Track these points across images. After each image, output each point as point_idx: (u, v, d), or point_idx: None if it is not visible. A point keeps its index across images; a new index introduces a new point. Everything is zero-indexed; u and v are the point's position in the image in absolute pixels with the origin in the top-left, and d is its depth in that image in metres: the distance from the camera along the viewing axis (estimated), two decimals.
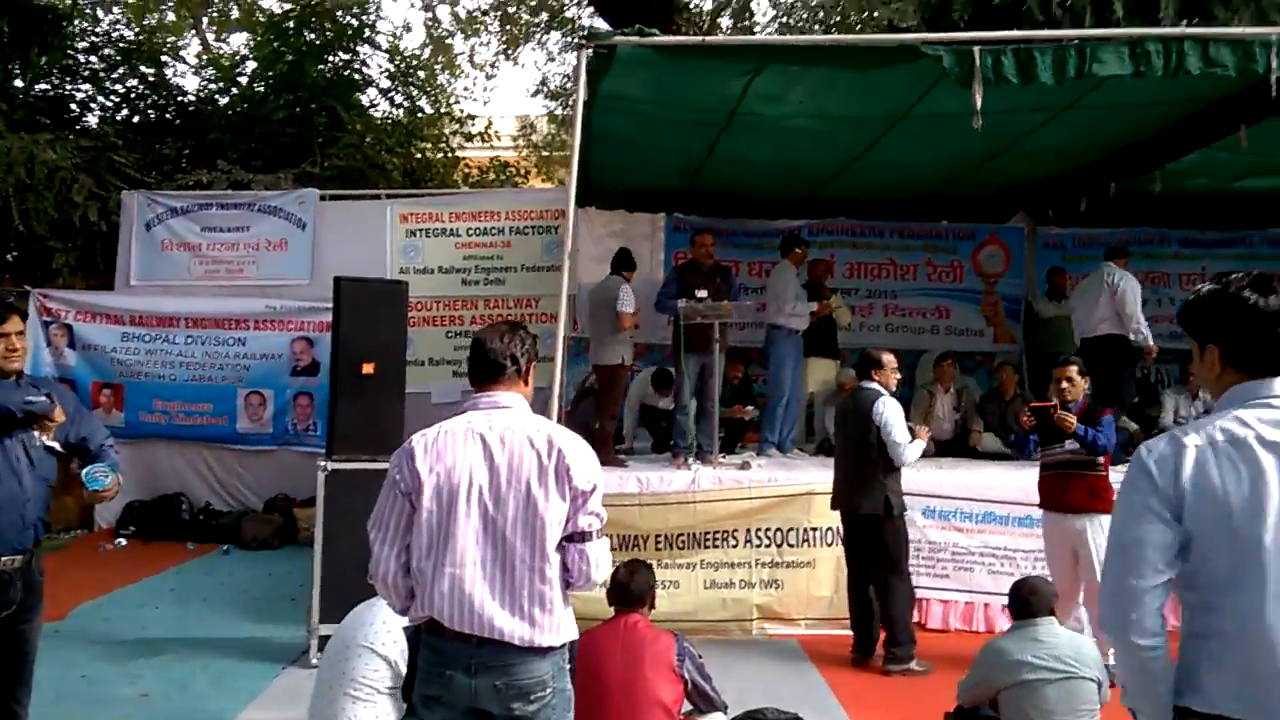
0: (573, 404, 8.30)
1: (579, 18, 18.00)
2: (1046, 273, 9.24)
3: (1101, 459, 5.30)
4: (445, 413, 8.76)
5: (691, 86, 6.34)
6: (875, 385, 5.68)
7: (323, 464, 5.26)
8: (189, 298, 9.62)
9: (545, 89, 18.39)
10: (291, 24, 12.35)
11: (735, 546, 6.20)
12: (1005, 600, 6.27)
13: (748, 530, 6.25)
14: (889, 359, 5.81)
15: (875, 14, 8.54)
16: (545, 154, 17.56)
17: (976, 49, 5.48)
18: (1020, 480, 6.60)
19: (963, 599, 6.29)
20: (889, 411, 5.51)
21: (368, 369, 5.35)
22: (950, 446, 7.88)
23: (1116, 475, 5.80)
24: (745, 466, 6.65)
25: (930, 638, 6.01)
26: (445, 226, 9.81)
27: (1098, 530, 5.21)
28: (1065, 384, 5.43)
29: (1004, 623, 6.20)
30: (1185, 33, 5.65)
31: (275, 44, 12.38)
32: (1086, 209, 9.10)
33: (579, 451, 2.62)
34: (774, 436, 7.57)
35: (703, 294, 6.93)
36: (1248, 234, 9.70)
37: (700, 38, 5.61)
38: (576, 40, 5.69)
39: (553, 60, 18.86)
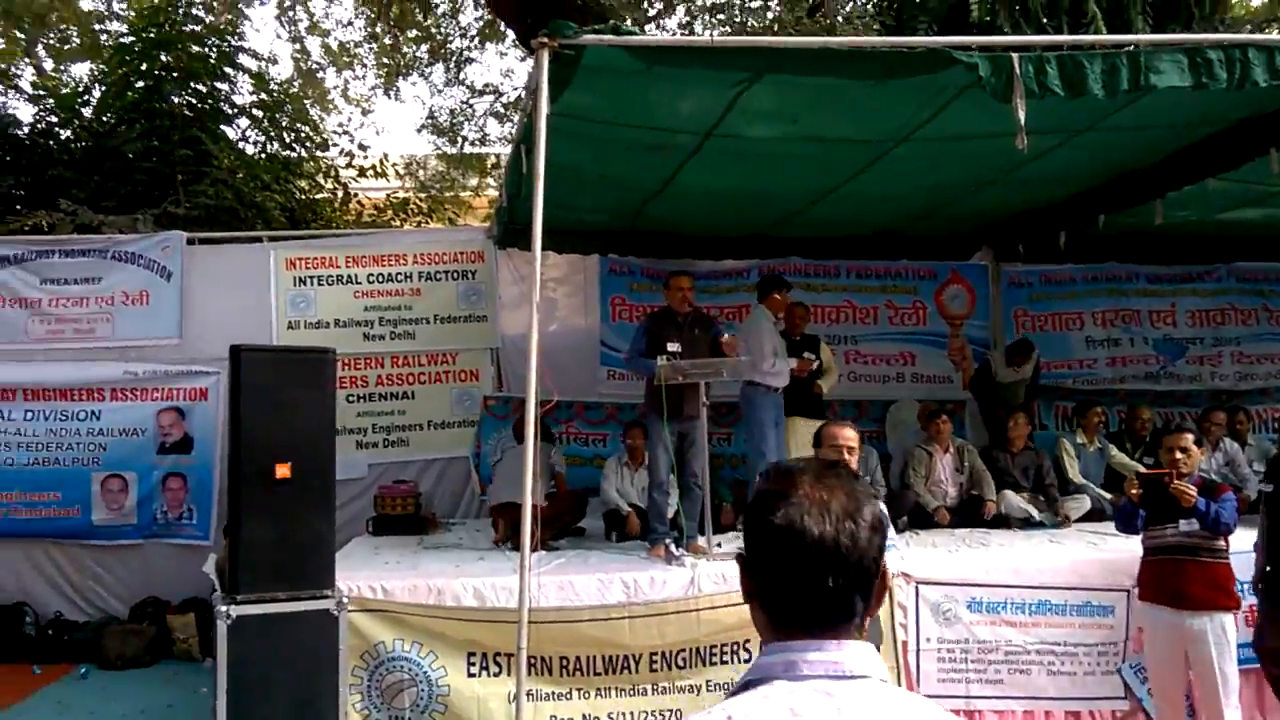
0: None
1: (466, 49, 16.89)
2: (1011, 346, 8.52)
3: (1223, 544, 4.39)
4: (347, 493, 7.17)
5: (667, 101, 5.25)
6: None
7: (224, 608, 3.82)
8: (27, 364, 7.94)
9: (432, 124, 17.11)
10: (143, 46, 10.69)
11: (749, 661, 5.03)
12: (1069, 706, 5.47)
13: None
14: (835, 435, 4.20)
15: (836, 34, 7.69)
16: (434, 193, 16.19)
17: (1016, 55, 4.61)
18: (1069, 556, 5.72)
19: (1020, 707, 5.26)
20: None
21: (282, 471, 3.93)
22: (960, 516, 6.92)
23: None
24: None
25: None
26: (342, 272, 8.46)
27: (1220, 633, 4.31)
28: (1180, 454, 4.52)
29: None
30: (1249, 39, 4.91)
31: (124, 70, 10.71)
32: (1045, 245, 8.53)
33: None
34: None
35: (675, 347, 5.82)
36: (1216, 268, 9.25)
37: (694, 38, 4.54)
38: (539, 39, 4.49)
39: (439, 94, 17.52)
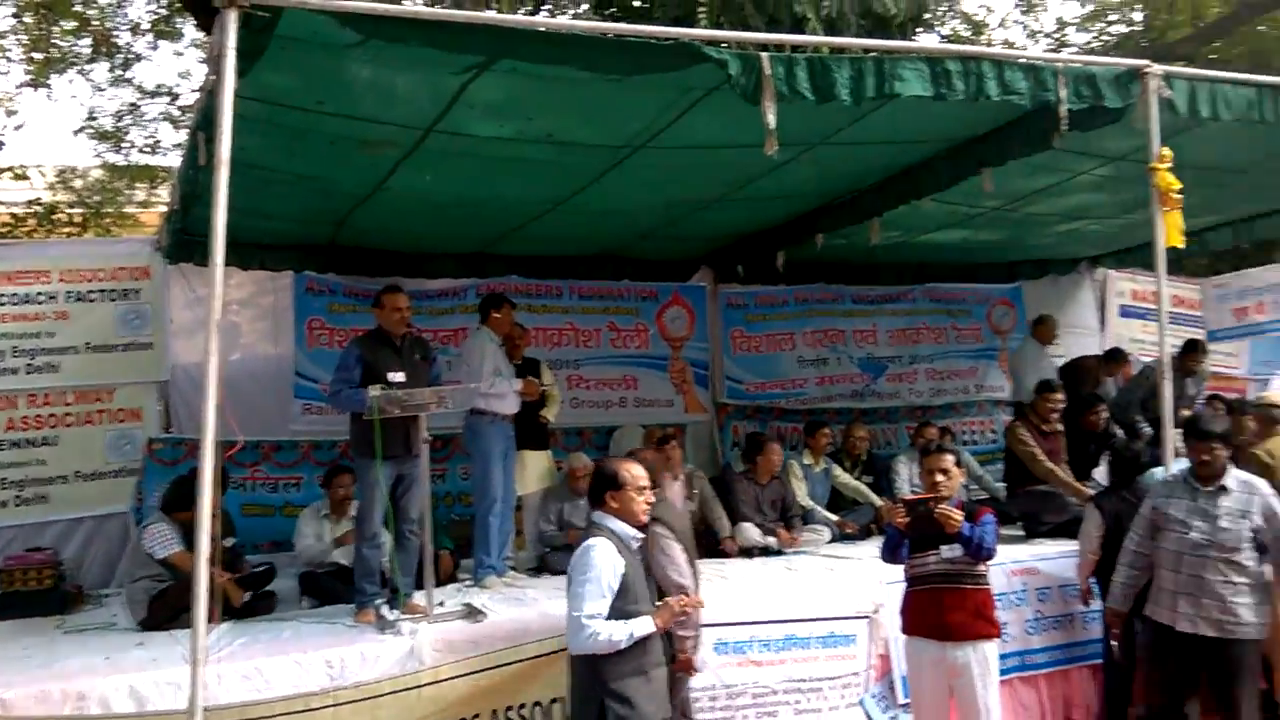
0: None
1: (131, 45, 14.96)
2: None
3: (984, 569, 4.23)
4: None
5: (382, 87, 4.48)
6: (603, 518, 3.70)
7: None
8: None
9: (93, 127, 14.95)
10: None
11: None
12: None
13: (494, 714, 4.43)
14: (631, 475, 3.70)
15: None
16: (91, 204, 14.07)
17: (766, 55, 4.33)
18: (808, 584, 5.54)
19: None
20: (582, 563, 3.56)
21: None
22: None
23: None
24: (475, 615, 4.78)
25: None
26: None
27: (983, 662, 4.15)
28: (941, 477, 4.32)
29: None
30: (983, 52, 4.95)
31: None
32: (761, 267, 8.55)
33: None
34: (491, 558, 5.74)
35: (398, 376, 5.03)
36: (911, 289, 9.70)
37: (420, 9, 3.85)
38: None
39: (101, 92, 15.38)
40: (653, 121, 5.06)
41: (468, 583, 5.75)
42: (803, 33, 7.44)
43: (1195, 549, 4.42)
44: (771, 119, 4.29)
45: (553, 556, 6.16)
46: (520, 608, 5.01)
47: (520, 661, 4.52)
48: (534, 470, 6.44)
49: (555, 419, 6.78)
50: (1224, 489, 4.45)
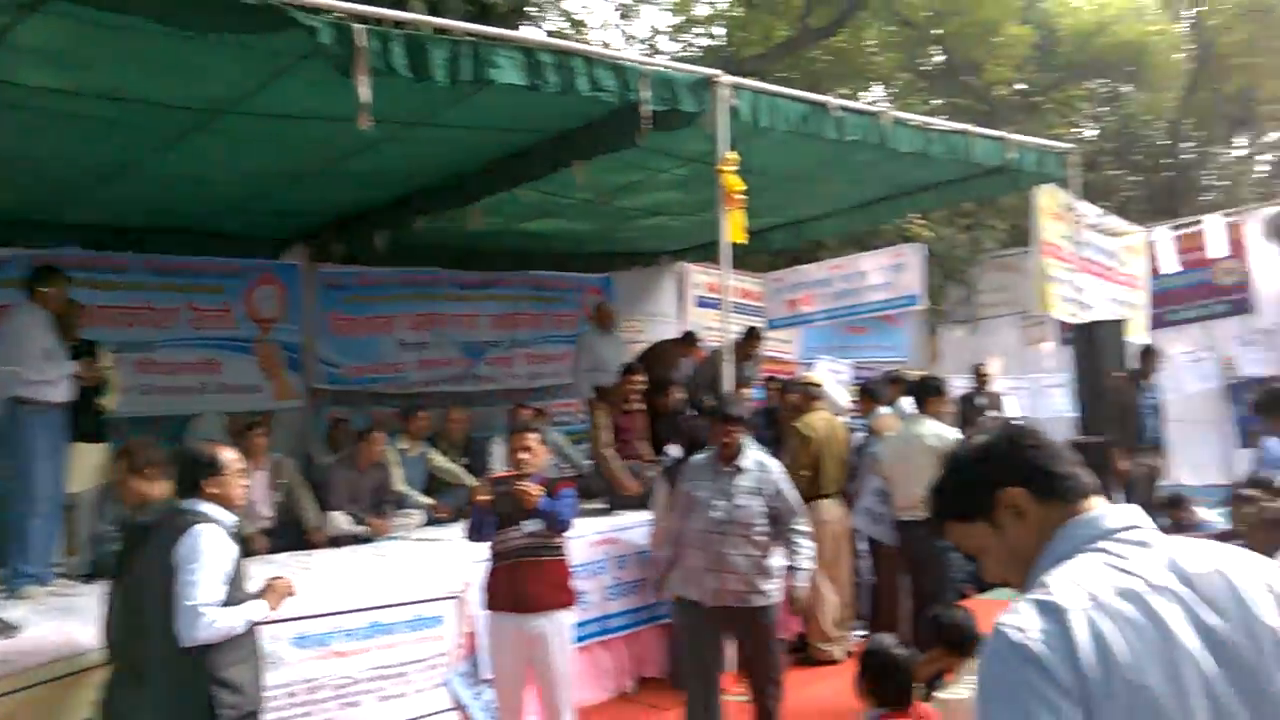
0: None
1: None
2: None
3: (559, 541, 4.45)
4: None
5: None
6: (197, 504, 3.55)
7: None
8: None
9: None
10: None
11: None
12: None
13: None
14: (228, 459, 3.64)
15: None
16: None
17: (360, 28, 4.22)
18: (397, 569, 5.56)
19: None
20: (191, 550, 3.38)
21: None
22: (280, 540, 6.23)
23: None
24: (6, 630, 4.20)
25: None
26: None
27: (558, 631, 4.38)
28: (524, 454, 4.45)
29: None
30: (575, 48, 5.17)
31: None
32: (364, 248, 8.32)
33: None
34: (33, 565, 5.05)
35: None
36: (511, 275, 9.91)
37: None
38: None
39: None
40: (237, 85, 4.73)
41: (2, 594, 5.04)
42: (404, 10, 7.31)
43: (718, 526, 4.72)
44: (365, 93, 4.19)
45: (111, 560, 5.57)
46: (67, 619, 4.47)
47: (65, 677, 4.05)
48: (89, 465, 5.75)
49: (116, 407, 6.13)
50: (740, 469, 4.80)
